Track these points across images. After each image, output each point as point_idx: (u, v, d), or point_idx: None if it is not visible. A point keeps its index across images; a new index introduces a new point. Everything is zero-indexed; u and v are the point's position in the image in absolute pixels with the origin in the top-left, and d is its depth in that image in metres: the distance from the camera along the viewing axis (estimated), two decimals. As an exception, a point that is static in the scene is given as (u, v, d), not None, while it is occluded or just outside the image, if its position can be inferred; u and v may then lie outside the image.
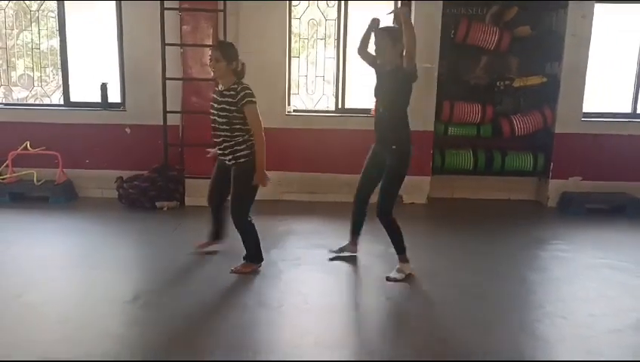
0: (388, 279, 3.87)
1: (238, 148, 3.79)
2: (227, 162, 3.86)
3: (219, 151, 3.89)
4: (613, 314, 3.47)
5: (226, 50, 3.77)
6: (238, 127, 3.76)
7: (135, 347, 2.98)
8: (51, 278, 3.82)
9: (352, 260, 4.22)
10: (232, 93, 3.73)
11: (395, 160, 3.82)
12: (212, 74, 3.87)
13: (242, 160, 3.81)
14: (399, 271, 3.92)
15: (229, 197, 3.93)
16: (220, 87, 3.83)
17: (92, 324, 3.18)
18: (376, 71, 3.93)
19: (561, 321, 3.36)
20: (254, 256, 4.00)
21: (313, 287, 3.83)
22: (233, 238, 4.15)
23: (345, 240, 4.36)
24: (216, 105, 3.79)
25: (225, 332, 3.12)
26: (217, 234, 4.27)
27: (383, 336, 3.20)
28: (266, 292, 3.69)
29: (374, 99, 3.97)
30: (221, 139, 3.80)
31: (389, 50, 3.74)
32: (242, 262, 4.00)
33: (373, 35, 3.85)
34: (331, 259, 4.23)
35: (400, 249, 3.94)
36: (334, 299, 3.62)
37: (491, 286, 3.90)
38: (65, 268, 4.07)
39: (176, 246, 4.46)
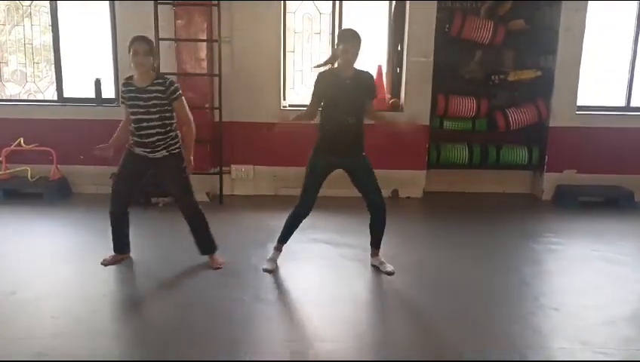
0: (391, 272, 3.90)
1: (172, 141, 3.73)
2: (154, 155, 3.71)
3: (145, 150, 3.70)
4: (607, 306, 3.49)
5: (153, 45, 3.68)
6: (169, 122, 3.70)
7: (130, 343, 2.99)
8: (45, 275, 3.82)
9: (348, 255, 4.22)
10: (159, 88, 3.62)
11: (368, 161, 3.83)
12: (135, 68, 3.59)
13: (176, 150, 3.75)
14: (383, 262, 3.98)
15: (174, 188, 3.81)
16: (139, 83, 3.64)
17: (87, 320, 3.18)
18: (329, 87, 3.73)
19: (554, 313, 3.39)
20: (212, 243, 3.96)
21: (310, 282, 3.85)
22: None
23: (342, 234, 4.36)
24: (142, 103, 3.60)
25: (222, 326, 3.13)
26: (126, 245, 4.06)
27: (379, 330, 3.21)
28: (263, 287, 3.69)
29: (330, 112, 3.75)
30: (154, 136, 3.65)
31: (356, 57, 3.66)
32: (212, 255, 3.96)
33: (343, 47, 3.61)
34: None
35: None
36: (331, 294, 3.63)
37: (486, 279, 3.92)
38: (59, 265, 4.06)
39: (171, 242, 4.46)
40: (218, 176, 5.72)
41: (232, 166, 5.96)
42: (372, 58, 6.07)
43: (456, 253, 4.44)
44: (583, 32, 5.84)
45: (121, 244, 4.02)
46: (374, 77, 3.83)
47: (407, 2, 5.82)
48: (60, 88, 6.11)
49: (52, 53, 6.07)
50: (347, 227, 4.90)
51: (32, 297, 3.45)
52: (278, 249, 4.03)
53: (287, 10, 6.04)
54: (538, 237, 4.88)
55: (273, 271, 3.90)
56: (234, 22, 5.75)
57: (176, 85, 3.69)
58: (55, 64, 6.07)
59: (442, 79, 5.90)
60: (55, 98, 6.16)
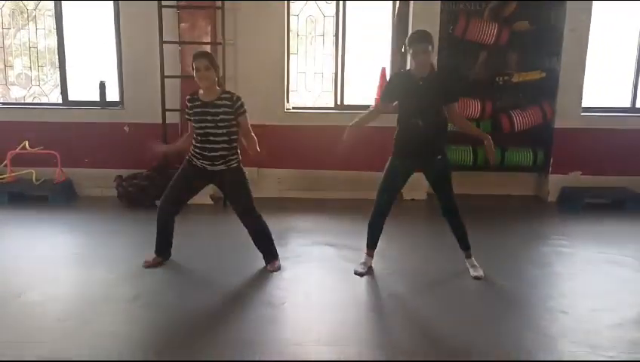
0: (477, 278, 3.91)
1: (232, 156, 3.81)
2: (213, 168, 3.78)
3: (205, 162, 3.77)
4: (615, 309, 3.46)
5: (213, 59, 3.72)
6: (235, 137, 3.79)
7: (136, 346, 2.97)
8: (51, 277, 3.82)
9: (351, 258, 4.20)
10: (226, 102, 3.70)
11: (447, 164, 3.85)
12: (199, 83, 3.68)
13: (235, 164, 3.83)
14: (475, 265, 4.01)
15: (236, 200, 3.88)
16: (205, 97, 3.72)
17: (92, 323, 3.17)
18: (400, 88, 3.72)
19: (562, 316, 3.36)
20: (274, 248, 4.04)
21: (315, 285, 3.83)
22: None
23: (346, 237, 4.34)
24: (210, 118, 3.68)
25: (227, 330, 3.12)
26: (168, 250, 4.08)
27: (385, 334, 3.19)
28: (268, 290, 3.69)
29: (401, 114, 3.75)
30: (219, 150, 3.73)
31: (429, 57, 3.64)
32: (275, 260, 4.03)
33: (413, 50, 3.58)
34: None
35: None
36: (336, 297, 3.62)
37: (492, 282, 3.90)
38: (64, 268, 4.06)
39: (175, 245, 4.44)
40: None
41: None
42: (376, 59, 6.08)
43: (462, 256, 4.40)
44: (588, 32, 5.82)
45: (164, 247, 4.04)
46: (458, 77, 3.77)
47: (411, 2, 5.81)
48: (64, 91, 6.13)
49: (56, 57, 6.08)
50: (349, 229, 4.88)
51: (38, 300, 3.45)
52: (369, 254, 4.04)
53: (290, 13, 6.04)
54: (544, 239, 4.86)
55: (363, 274, 3.91)
56: (237, 25, 5.75)
57: (242, 101, 3.77)
58: (60, 67, 6.09)
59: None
60: (60, 101, 6.17)
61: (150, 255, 4.05)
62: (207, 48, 5.67)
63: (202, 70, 3.63)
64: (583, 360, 2.87)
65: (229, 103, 3.70)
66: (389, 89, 3.80)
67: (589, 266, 4.24)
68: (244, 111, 3.77)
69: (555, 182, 6.08)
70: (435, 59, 5.68)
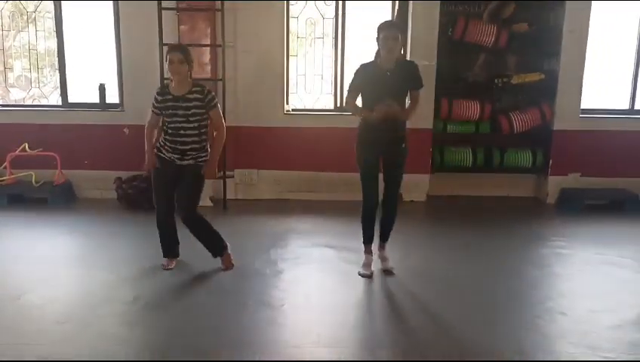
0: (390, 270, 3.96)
1: (202, 150, 3.80)
2: (181, 162, 3.77)
3: (175, 155, 3.76)
4: (613, 310, 3.47)
5: (188, 53, 3.70)
6: (205, 130, 3.79)
7: (136, 347, 2.98)
8: (51, 279, 3.82)
9: (351, 259, 4.21)
10: (197, 96, 3.69)
11: (405, 153, 3.90)
12: (171, 75, 3.69)
13: (203, 159, 3.82)
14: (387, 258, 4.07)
15: (183, 196, 3.80)
16: (176, 91, 3.70)
17: (92, 325, 3.18)
18: (370, 78, 3.79)
19: (561, 317, 3.37)
20: (219, 243, 3.97)
21: (314, 286, 3.84)
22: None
23: (345, 238, 4.34)
24: (182, 112, 3.67)
25: (226, 331, 3.12)
26: (175, 249, 4.06)
27: (383, 335, 3.19)
28: (266, 291, 3.69)
29: (369, 104, 3.79)
30: (189, 144, 3.73)
31: (399, 45, 3.74)
32: (220, 258, 3.98)
33: (382, 36, 3.66)
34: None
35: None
36: (335, 298, 3.63)
37: (491, 283, 3.90)
38: (64, 269, 4.07)
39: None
40: (222, 180, 5.72)
41: (235, 170, 5.96)
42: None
43: (461, 257, 4.43)
44: (587, 34, 5.83)
45: (171, 247, 4.03)
46: (417, 67, 3.85)
47: (410, 3, 5.81)
48: (64, 93, 6.13)
49: (56, 59, 6.09)
50: (348, 231, 4.85)
51: (37, 302, 3.45)
52: (368, 251, 4.05)
53: (290, 15, 6.04)
54: (543, 240, 4.87)
55: (371, 276, 3.92)
56: (237, 26, 5.76)
57: (212, 94, 3.79)
58: (59, 69, 6.10)
59: (446, 82, 5.89)
60: (59, 103, 6.17)
61: (166, 261, 4.02)
62: (207, 50, 5.70)
63: (176, 63, 3.62)
64: (582, 360, 2.87)
65: (200, 97, 3.70)
66: (357, 83, 3.83)
67: (588, 267, 4.25)
68: (216, 105, 3.78)
69: (555, 183, 6.09)
70: (434, 61, 5.76)
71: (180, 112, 3.68)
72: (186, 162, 3.78)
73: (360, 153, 3.89)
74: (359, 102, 3.90)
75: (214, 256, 3.99)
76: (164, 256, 4.04)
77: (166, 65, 3.75)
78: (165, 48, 5.44)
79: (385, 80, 3.74)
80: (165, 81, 3.74)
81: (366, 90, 3.82)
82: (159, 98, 3.75)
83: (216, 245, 3.97)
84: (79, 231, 4.99)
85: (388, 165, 3.90)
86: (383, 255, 4.08)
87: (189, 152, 3.76)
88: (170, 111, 3.70)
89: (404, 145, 3.88)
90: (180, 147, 3.74)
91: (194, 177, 3.82)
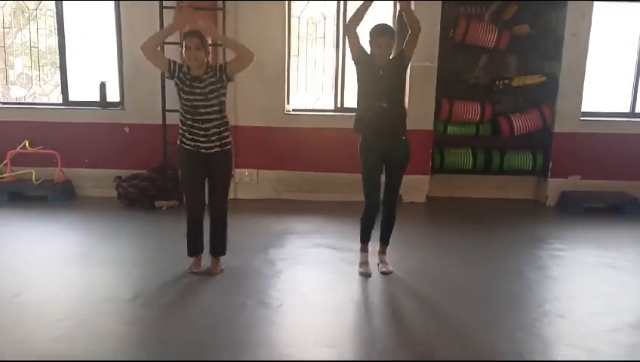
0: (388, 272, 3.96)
1: (225, 131, 3.75)
2: (209, 151, 3.70)
3: (199, 141, 3.67)
4: (612, 313, 3.47)
5: (205, 39, 3.66)
6: (224, 106, 3.76)
7: (135, 346, 2.98)
8: (50, 277, 3.83)
9: (350, 260, 4.21)
10: (210, 73, 3.67)
11: (406, 150, 3.89)
12: (188, 62, 3.61)
13: (228, 146, 3.78)
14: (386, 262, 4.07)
15: (217, 194, 3.79)
16: (194, 73, 3.65)
17: (91, 323, 3.18)
18: (363, 66, 3.79)
19: (559, 320, 3.37)
20: (225, 245, 3.97)
21: (312, 286, 3.84)
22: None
23: (345, 238, 4.35)
24: (199, 91, 3.62)
25: (224, 331, 3.12)
26: (201, 246, 3.97)
27: (382, 335, 3.19)
28: (265, 291, 3.69)
29: (368, 97, 3.81)
30: (211, 125, 3.66)
31: (390, 51, 3.77)
32: (217, 259, 3.95)
33: (375, 42, 3.71)
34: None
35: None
36: (334, 298, 3.63)
37: (490, 285, 3.91)
38: (64, 267, 4.07)
39: (175, 245, 4.44)
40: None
41: (235, 170, 5.96)
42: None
43: (460, 259, 4.43)
44: (589, 37, 5.84)
45: (199, 246, 3.96)
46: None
47: (412, 3, 5.79)
48: (65, 91, 6.14)
49: (57, 57, 6.10)
50: (350, 231, 4.85)
51: (36, 300, 3.45)
52: (364, 249, 4.06)
53: (291, 15, 6.05)
54: (542, 243, 4.87)
55: (370, 274, 3.93)
56: (239, 26, 5.76)
57: (220, 63, 3.77)
58: (60, 67, 6.10)
59: (446, 84, 5.90)
60: (60, 101, 6.18)
61: (195, 261, 3.95)
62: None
63: (192, 49, 3.57)
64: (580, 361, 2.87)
65: (212, 73, 3.68)
66: (363, 53, 3.79)
67: (587, 270, 4.25)
68: (228, 63, 3.72)
69: (555, 186, 6.09)
70: (435, 62, 5.76)
71: (198, 91, 3.64)
72: (213, 149, 3.70)
73: (363, 155, 3.89)
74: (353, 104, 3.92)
75: (215, 254, 3.96)
76: (191, 256, 3.94)
77: (182, 51, 3.67)
78: (166, 47, 5.49)
79: (378, 77, 3.76)
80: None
81: (362, 85, 3.84)
82: (178, 72, 3.66)
83: (223, 245, 3.97)
84: (79, 229, 5.00)
85: (390, 167, 3.90)
86: (382, 258, 4.08)
87: (212, 135, 3.68)
88: (189, 89, 3.64)
89: (403, 140, 3.87)
90: (202, 127, 3.65)
91: (224, 169, 3.80)
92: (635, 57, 6.15)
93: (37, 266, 4.03)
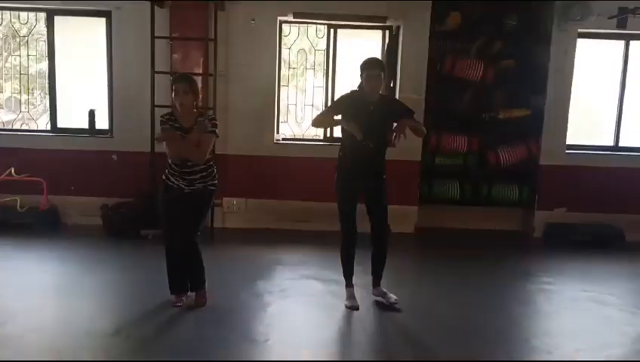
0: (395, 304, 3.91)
1: (208, 176, 3.77)
2: (190, 190, 3.71)
3: (183, 183, 3.70)
4: (599, 349, 3.47)
5: (194, 84, 3.71)
6: (211, 155, 3.80)
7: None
8: (32, 309, 3.75)
9: (339, 293, 4.18)
10: (201, 120, 3.70)
11: (385, 186, 3.92)
12: (177, 107, 3.66)
13: (211, 187, 3.79)
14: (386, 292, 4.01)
15: (189, 222, 3.75)
16: (183, 122, 3.68)
17: (73, 357, 3.11)
18: (349, 108, 3.81)
19: (547, 356, 3.36)
20: (203, 276, 3.89)
21: (300, 321, 3.80)
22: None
23: (333, 270, 4.35)
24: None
25: (209, 367, 3.07)
26: (185, 285, 3.91)
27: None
28: (251, 325, 3.65)
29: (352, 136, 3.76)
30: (198, 170, 3.69)
31: (381, 83, 3.81)
32: (199, 291, 3.89)
33: (366, 74, 3.75)
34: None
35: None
36: (321, 333, 3.59)
37: (478, 319, 3.89)
38: (46, 298, 3.99)
39: (159, 276, 4.38)
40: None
41: (224, 198, 5.94)
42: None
43: (448, 291, 4.42)
44: (572, 72, 5.97)
45: (180, 283, 3.88)
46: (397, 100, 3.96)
47: (400, 36, 5.91)
48: (53, 118, 6.11)
49: (47, 84, 6.09)
50: (336, 263, 4.81)
51: (17, 332, 3.38)
52: (350, 285, 4.03)
53: (282, 45, 6.12)
54: (529, 276, 4.89)
55: (358, 308, 3.88)
56: (229, 56, 5.82)
57: (214, 121, 3.78)
58: (50, 94, 6.09)
59: (434, 116, 5.97)
60: (48, 128, 6.14)
61: (174, 297, 3.88)
62: (199, 79, 5.72)
63: (181, 94, 3.61)
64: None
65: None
66: (339, 107, 3.87)
67: (574, 304, 4.26)
68: (213, 132, 3.71)
69: (541, 218, 6.14)
70: (423, 95, 5.84)
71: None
72: (195, 186, 3.72)
73: (339, 186, 3.93)
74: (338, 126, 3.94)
75: (193, 288, 3.91)
76: (173, 293, 3.88)
77: (171, 95, 3.70)
78: (156, 76, 5.52)
79: (369, 113, 3.79)
80: (169, 110, 3.73)
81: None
82: (167, 126, 3.68)
83: (200, 277, 3.90)
84: (63, 258, 4.92)
85: (370, 201, 3.92)
86: (380, 290, 4.02)
87: (196, 180, 3.71)
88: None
89: (383, 179, 3.92)
90: (187, 174, 3.68)
91: (202, 204, 3.80)
92: (618, 92, 6.28)
93: (20, 296, 3.95)
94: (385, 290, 4.03)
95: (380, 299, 4.01)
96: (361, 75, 3.81)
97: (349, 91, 3.91)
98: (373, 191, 3.91)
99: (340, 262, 4.04)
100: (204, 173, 3.74)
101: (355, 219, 3.92)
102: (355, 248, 3.96)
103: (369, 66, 3.78)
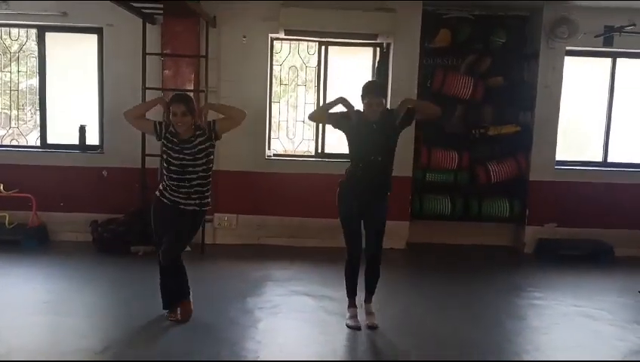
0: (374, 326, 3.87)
1: (207, 191, 3.78)
2: (185, 207, 3.72)
3: (179, 197, 3.70)
4: (590, 365, 3.47)
5: (191, 104, 3.72)
6: (211, 165, 3.80)
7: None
8: (19, 326, 3.70)
9: (331, 309, 4.16)
10: (199, 133, 3.71)
11: (387, 204, 3.92)
12: (176, 127, 3.66)
13: (206, 207, 3.81)
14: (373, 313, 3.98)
15: (178, 238, 3.76)
16: (182, 135, 3.69)
17: (59, 377, 3.07)
18: (349, 126, 3.83)
19: (538, 372, 3.36)
20: (187, 288, 3.89)
21: (291, 337, 3.78)
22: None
23: (324, 286, 4.31)
24: (188, 152, 3.67)
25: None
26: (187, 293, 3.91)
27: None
28: (241, 342, 3.61)
29: (358, 153, 3.82)
30: (196, 184, 3.69)
31: (382, 108, 3.81)
32: (183, 301, 3.87)
33: (367, 101, 3.75)
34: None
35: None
36: (312, 350, 3.56)
37: (469, 335, 3.88)
38: (33, 316, 3.93)
39: (148, 293, 4.34)
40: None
41: (215, 214, 5.92)
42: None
43: (440, 307, 4.41)
44: (560, 89, 6.05)
45: (176, 296, 3.87)
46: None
47: (391, 53, 5.96)
48: (43, 135, 6.09)
49: (37, 99, 6.08)
50: (328, 278, 4.85)
51: (3, 351, 3.32)
52: (352, 304, 3.97)
53: (274, 62, 6.16)
54: (520, 291, 4.89)
55: (359, 327, 3.84)
56: (221, 72, 5.84)
57: (209, 121, 3.80)
58: (40, 110, 6.08)
59: (425, 132, 6.01)
60: (38, 144, 6.12)
61: (169, 314, 3.88)
62: (190, 95, 5.73)
63: (179, 115, 3.62)
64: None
65: (201, 133, 3.71)
66: (341, 119, 3.85)
67: (564, 319, 4.26)
68: (216, 122, 3.76)
69: (531, 233, 6.17)
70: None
71: (187, 152, 3.67)
72: (190, 207, 3.72)
73: (342, 206, 3.88)
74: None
75: (179, 299, 3.86)
76: (165, 308, 3.87)
77: (166, 115, 3.73)
78: (147, 91, 5.53)
79: (372, 131, 3.76)
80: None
81: (354, 141, 3.84)
82: (169, 130, 3.69)
83: (184, 289, 3.89)
84: (51, 276, 4.86)
85: (369, 221, 3.88)
86: (369, 309, 3.99)
87: (194, 193, 3.71)
88: (177, 154, 3.67)
89: (387, 196, 3.90)
90: (187, 185, 3.68)
91: (194, 224, 3.80)
92: (605, 108, 6.36)
93: (5, 315, 3.90)
94: (373, 311, 3.97)
95: (365, 316, 3.95)
96: (362, 100, 3.78)
97: (354, 109, 3.86)
98: (374, 212, 3.88)
99: (344, 280, 3.98)
100: (202, 188, 3.73)
101: (360, 238, 3.88)
102: (357, 266, 3.91)
103: (371, 93, 3.76)
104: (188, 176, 3.69)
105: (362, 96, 3.79)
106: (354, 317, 3.93)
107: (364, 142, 3.79)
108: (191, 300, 3.90)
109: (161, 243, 3.79)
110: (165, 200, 3.74)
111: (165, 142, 3.70)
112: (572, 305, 4.54)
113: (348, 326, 3.87)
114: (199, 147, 3.69)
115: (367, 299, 4.03)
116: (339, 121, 3.87)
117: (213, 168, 5.76)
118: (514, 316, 4.34)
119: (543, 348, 3.76)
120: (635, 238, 6.15)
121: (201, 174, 3.71)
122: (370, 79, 3.93)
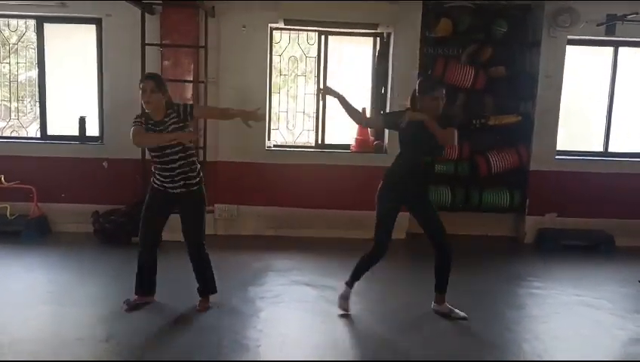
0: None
1: (191, 172, 3.75)
2: (175, 190, 3.72)
3: (165, 181, 3.71)
4: (590, 353, 3.48)
5: (161, 82, 3.69)
6: (191, 152, 3.76)
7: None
8: (22, 317, 3.71)
9: (332, 299, 4.17)
10: (173, 114, 3.67)
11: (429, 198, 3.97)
12: (145, 106, 3.64)
13: (194, 187, 3.77)
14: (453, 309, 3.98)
15: (190, 231, 3.81)
16: (154, 117, 3.66)
17: (62, 366, 3.08)
18: (404, 126, 3.72)
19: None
20: (214, 285, 3.96)
21: (292, 326, 3.79)
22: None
23: (325, 276, 4.31)
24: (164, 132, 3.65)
25: (200, 374, 3.05)
26: (152, 286, 3.96)
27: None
28: (243, 331, 3.63)
29: (410, 151, 3.79)
30: (176, 166, 3.67)
31: (443, 101, 3.76)
32: (201, 298, 3.94)
33: (429, 97, 3.69)
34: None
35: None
36: (313, 339, 3.58)
37: (469, 324, 3.89)
38: (36, 306, 3.95)
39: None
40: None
41: (215, 205, 5.92)
42: (356, 100, 6.17)
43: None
44: (562, 79, 6.02)
45: (148, 285, 3.94)
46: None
47: (391, 42, 5.94)
48: (43, 126, 6.08)
49: (37, 91, 6.06)
50: (328, 268, 4.87)
51: (6, 341, 3.34)
52: (350, 285, 3.94)
53: (273, 52, 6.14)
54: (521, 281, 4.90)
55: (349, 314, 3.87)
56: (220, 63, 5.82)
57: (185, 103, 3.78)
58: (40, 102, 6.06)
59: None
60: (38, 135, 6.11)
61: (137, 297, 3.92)
62: (190, 86, 5.73)
63: (147, 92, 3.57)
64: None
65: (175, 114, 3.67)
66: (392, 121, 3.88)
67: (565, 309, 4.27)
68: (192, 106, 3.74)
69: (532, 223, 6.17)
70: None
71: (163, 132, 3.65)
72: (178, 190, 3.72)
73: (382, 199, 3.82)
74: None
75: (203, 294, 3.94)
76: (136, 294, 3.92)
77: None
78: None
79: (426, 132, 3.65)
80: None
81: (408, 137, 3.77)
82: (141, 120, 3.68)
83: (210, 283, 3.95)
84: (52, 267, 4.88)
85: (420, 215, 3.91)
86: (446, 307, 3.95)
87: (177, 176, 3.70)
88: (154, 131, 3.65)
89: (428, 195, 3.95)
90: (168, 168, 3.67)
91: (192, 206, 3.79)
92: (607, 97, 6.34)
93: (8, 305, 3.91)
94: (451, 307, 3.94)
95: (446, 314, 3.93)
96: (423, 97, 3.71)
97: (397, 110, 3.82)
98: (422, 205, 3.88)
99: (356, 264, 3.95)
100: (186, 168, 3.70)
101: (389, 235, 3.85)
102: (380, 259, 3.87)
103: (432, 87, 3.72)
104: (167, 158, 3.67)
105: (423, 92, 3.71)
106: (346, 297, 3.91)
107: (419, 142, 3.73)
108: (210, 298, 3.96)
109: (144, 228, 3.81)
110: (156, 185, 3.78)
111: (146, 129, 3.68)
112: (572, 294, 4.55)
113: (339, 308, 3.89)
114: (173, 126, 3.65)
115: (442, 299, 3.96)
116: (390, 123, 3.93)
117: (214, 159, 5.82)
118: (514, 305, 4.35)
119: (543, 336, 3.77)
120: (635, 228, 6.15)
121: (181, 155, 3.68)
122: (425, 77, 3.82)
